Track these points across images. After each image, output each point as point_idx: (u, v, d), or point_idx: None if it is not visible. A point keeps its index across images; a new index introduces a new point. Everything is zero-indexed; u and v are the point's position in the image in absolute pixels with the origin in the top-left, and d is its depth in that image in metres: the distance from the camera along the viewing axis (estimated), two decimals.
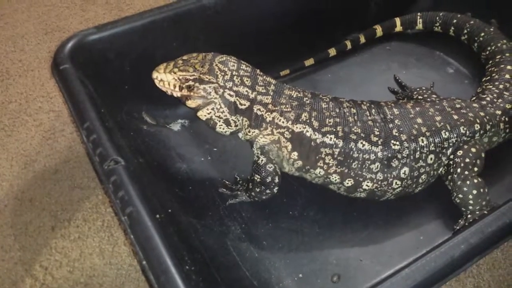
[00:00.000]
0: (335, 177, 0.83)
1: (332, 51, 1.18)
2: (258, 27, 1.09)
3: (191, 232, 0.83)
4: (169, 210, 0.78)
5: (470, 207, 0.83)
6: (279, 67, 1.12)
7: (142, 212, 0.67)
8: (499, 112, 0.89)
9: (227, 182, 0.92)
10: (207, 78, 0.80)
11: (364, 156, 0.81)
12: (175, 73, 0.81)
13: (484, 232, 0.68)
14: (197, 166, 0.97)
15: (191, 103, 0.82)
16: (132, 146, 0.87)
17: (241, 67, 0.83)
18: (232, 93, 0.81)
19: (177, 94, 0.82)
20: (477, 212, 0.82)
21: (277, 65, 1.11)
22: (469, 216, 0.83)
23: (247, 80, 0.82)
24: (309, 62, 1.16)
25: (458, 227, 0.84)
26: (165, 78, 0.82)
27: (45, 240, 0.94)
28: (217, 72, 0.81)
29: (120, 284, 0.88)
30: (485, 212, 0.81)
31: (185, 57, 0.83)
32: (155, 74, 0.83)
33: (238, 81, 0.82)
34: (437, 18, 1.19)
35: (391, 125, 0.83)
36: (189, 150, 1.00)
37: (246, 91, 0.82)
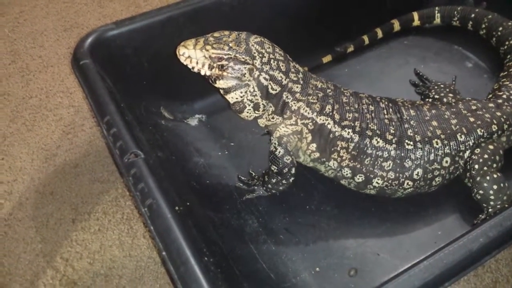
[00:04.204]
0: (347, 171, 0.83)
1: (350, 47, 1.17)
2: (274, 23, 1.09)
3: (209, 225, 0.84)
4: (187, 203, 0.79)
5: (492, 203, 0.82)
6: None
7: (161, 204, 0.68)
8: None
9: (243, 178, 0.93)
10: (243, 58, 0.76)
11: (378, 153, 0.81)
12: (207, 50, 0.76)
13: (503, 226, 0.68)
14: (214, 161, 0.98)
15: (222, 84, 0.78)
16: (151, 141, 0.88)
17: (276, 50, 0.81)
18: (267, 76, 0.78)
19: (205, 72, 0.78)
20: (498, 207, 0.82)
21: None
22: (490, 210, 0.82)
23: (282, 65, 0.80)
24: (327, 59, 1.16)
25: (478, 222, 0.83)
26: (194, 55, 0.76)
27: (66, 232, 0.96)
28: (254, 53, 0.77)
29: (140, 275, 0.89)
30: (506, 206, 0.81)
31: (216, 34, 0.78)
32: (182, 50, 0.77)
33: (275, 65, 0.79)
34: (455, 12, 1.18)
35: (406, 125, 0.82)
36: (206, 145, 1.01)
37: (281, 76, 0.79)
